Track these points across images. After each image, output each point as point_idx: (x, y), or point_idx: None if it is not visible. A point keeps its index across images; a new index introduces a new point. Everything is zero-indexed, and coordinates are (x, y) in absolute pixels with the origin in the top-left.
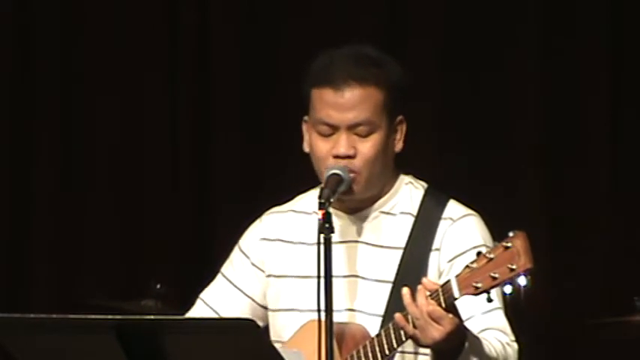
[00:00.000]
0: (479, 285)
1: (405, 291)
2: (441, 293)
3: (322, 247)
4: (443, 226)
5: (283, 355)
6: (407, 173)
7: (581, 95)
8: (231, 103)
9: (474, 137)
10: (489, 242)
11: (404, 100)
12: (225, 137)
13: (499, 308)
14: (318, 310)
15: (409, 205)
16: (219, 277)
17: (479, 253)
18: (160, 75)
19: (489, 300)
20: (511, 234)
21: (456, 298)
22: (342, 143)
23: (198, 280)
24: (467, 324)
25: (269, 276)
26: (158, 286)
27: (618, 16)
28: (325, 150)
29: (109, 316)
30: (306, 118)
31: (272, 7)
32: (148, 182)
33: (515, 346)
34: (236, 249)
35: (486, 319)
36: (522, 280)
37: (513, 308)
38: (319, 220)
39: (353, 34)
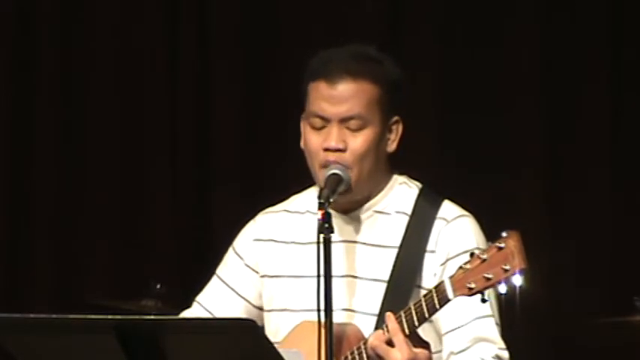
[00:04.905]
0: (472, 286)
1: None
2: (404, 319)
3: (321, 246)
4: (437, 227)
5: (283, 355)
6: (402, 173)
7: (580, 84)
8: (232, 100)
9: (472, 132)
10: (482, 244)
11: (401, 101)
12: (224, 137)
13: (490, 316)
14: (318, 310)
15: (403, 204)
16: (214, 278)
17: (472, 254)
18: (160, 75)
19: (483, 301)
20: (504, 234)
21: (449, 299)
22: (332, 136)
23: (198, 280)
24: (455, 334)
25: (263, 276)
26: (158, 286)
27: None
28: (317, 143)
29: (109, 316)
30: (304, 115)
31: None
32: (147, 182)
33: (506, 354)
34: (230, 250)
35: (476, 328)
36: (517, 280)
37: (510, 308)
38: (319, 220)
39: (353, 5)
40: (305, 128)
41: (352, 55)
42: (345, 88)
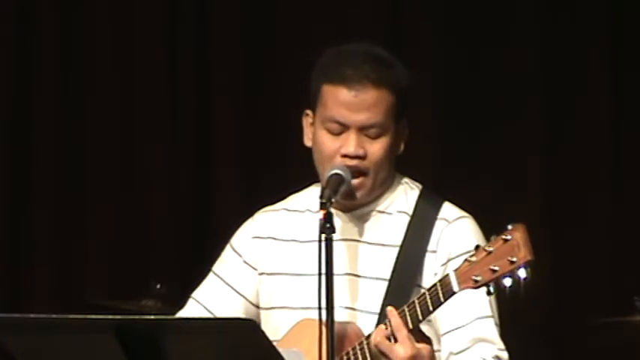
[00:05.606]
0: (478, 278)
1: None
2: (407, 313)
3: (322, 246)
4: (438, 227)
5: (283, 355)
6: (404, 174)
7: (580, 82)
8: (232, 100)
9: (472, 132)
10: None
11: (406, 104)
12: (225, 137)
13: (490, 316)
14: (319, 309)
15: (404, 204)
16: (210, 275)
17: (477, 247)
18: (160, 75)
19: (489, 293)
20: (510, 226)
21: (454, 292)
22: (351, 143)
23: (198, 280)
24: (455, 335)
25: (261, 274)
26: (158, 286)
27: None
28: (334, 148)
29: (109, 316)
30: (307, 111)
31: None
32: (147, 182)
33: (505, 355)
34: (228, 247)
35: (475, 328)
36: (522, 273)
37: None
38: (320, 220)
39: (352, 7)
40: (318, 131)
41: (368, 59)
42: (366, 96)
